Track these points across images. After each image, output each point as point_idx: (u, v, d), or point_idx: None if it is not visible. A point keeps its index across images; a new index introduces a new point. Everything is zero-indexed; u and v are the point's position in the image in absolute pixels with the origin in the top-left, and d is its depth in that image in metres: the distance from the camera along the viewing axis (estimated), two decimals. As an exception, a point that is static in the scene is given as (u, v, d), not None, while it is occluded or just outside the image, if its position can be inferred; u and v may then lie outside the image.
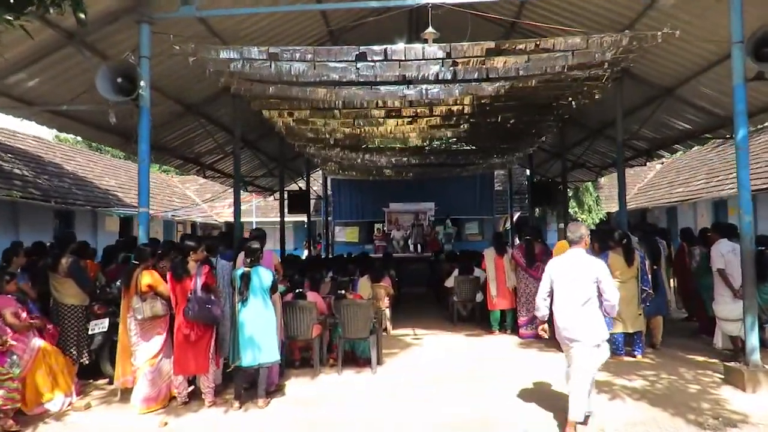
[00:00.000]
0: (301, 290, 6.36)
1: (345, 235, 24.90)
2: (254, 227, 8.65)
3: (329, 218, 23.27)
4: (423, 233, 20.95)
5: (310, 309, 6.23)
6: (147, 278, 5.33)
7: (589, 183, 22.10)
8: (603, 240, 7.21)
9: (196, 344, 5.30)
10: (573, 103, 9.65)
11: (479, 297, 9.43)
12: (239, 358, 5.20)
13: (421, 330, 9.17)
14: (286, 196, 16.04)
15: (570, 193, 20.87)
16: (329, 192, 22.99)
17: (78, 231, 16.35)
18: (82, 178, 17.56)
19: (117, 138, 9.09)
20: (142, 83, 5.89)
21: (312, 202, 22.90)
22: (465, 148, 17.01)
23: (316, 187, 21.83)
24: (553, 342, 7.90)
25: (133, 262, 5.48)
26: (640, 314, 6.78)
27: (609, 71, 7.79)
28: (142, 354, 5.38)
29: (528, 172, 19.09)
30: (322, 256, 17.08)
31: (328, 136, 11.48)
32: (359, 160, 14.49)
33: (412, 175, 17.69)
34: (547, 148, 15.78)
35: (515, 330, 8.53)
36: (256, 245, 5.36)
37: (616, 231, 7.00)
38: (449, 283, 9.80)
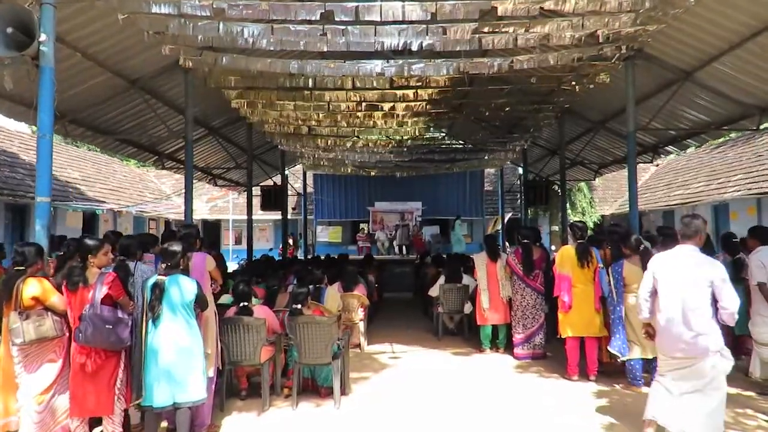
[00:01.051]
0: (246, 304, 5.09)
1: (328, 235, 23.71)
2: (183, 224, 7.29)
3: (310, 217, 22.03)
4: (408, 234, 19.82)
5: (257, 327, 4.97)
6: (33, 288, 4.05)
7: (583, 184, 21.06)
8: (616, 246, 6.06)
9: (95, 376, 4.02)
10: (577, 88, 8.54)
11: (468, 308, 8.21)
12: (148, 396, 3.93)
13: (400, 345, 7.94)
14: (259, 191, 14.82)
15: (563, 194, 19.82)
16: (310, 189, 21.76)
17: (34, 225, 15.08)
18: (39, 170, 16.17)
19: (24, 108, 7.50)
20: (42, 36, 4.60)
21: (294, 199, 21.66)
22: (455, 145, 15.91)
23: (299, 184, 20.51)
24: (553, 365, 6.77)
25: (17, 268, 4.18)
26: (662, 336, 5.60)
27: (624, 48, 6.65)
28: (27, 388, 4.09)
29: (520, 170, 17.99)
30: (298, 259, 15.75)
31: (300, 123, 10.25)
32: (338, 154, 13.27)
33: (398, 172, 16.50)
34: (543, 144, 14.66)
35: (508, 347, 7.34)
36: (175, 247, 4.08)
37: (632, 235, 5.82)
38: (434, 291, 8.57)
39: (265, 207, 14.24)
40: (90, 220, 17.71)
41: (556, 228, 22.41)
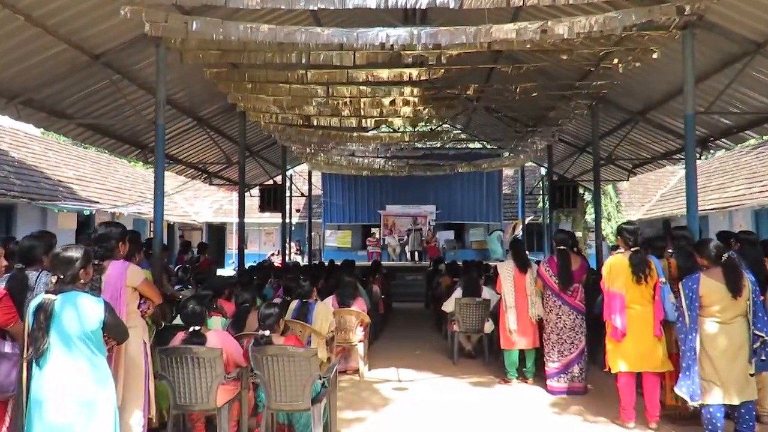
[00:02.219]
0: (197, 328, 3.83)
1: (336, 239, 22.59)
2: (107, 222, 6.08)
3: (318, 220, 20.88)
4: (421, 239, 18.58)
5: (211, 361, 3.71)
6: None
7: (610, 186, 19.58)
8: (686, 255, 4.71)
9: (-37, 437, 2.83)
10: (620, 67, 7.20)
11: (489, 327, 6.90)
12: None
13: (408, 371, 6.65)
14: (257, 192, 13.66)
15: (587, 198, 18.40)
16: (318, 190, 20.62)
17: (20, 227, 14.05)
18: (29, 167, 15.34)
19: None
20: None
21: (303, 201, 20.54)
22: (471, 144, 14.66)
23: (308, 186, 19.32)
24: (598, 403, 5.13)
25: None
26: (751, 374, 4.23)
27: (688, 8, 5.31)
28: None
29: (543, 170, 16.62)
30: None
31: (297, 112, 9.03)
32: (342, 149, 12.04)
33: (406, 170, 15.20)
34: (568, 141, 13.27)
35: (538, 377, 6.01)
36: (71, 252, 2.80)
37: (712, 242, 4.46)
38: (448, 306, 7.25)
39: (263, 208, 13.05)
40: (86, 223, 16.71)
41: (579, 234, 20.98)
